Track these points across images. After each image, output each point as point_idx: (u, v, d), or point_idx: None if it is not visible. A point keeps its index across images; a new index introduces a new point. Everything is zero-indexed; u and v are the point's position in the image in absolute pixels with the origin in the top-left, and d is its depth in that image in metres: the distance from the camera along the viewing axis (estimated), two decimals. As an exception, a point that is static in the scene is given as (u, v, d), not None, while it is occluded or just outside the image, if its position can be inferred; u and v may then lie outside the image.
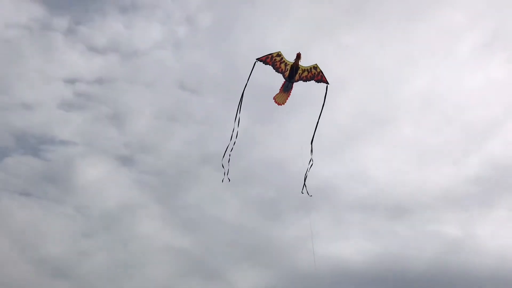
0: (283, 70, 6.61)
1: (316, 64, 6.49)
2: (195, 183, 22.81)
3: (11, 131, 22.68)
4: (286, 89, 6.70)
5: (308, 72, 6.58)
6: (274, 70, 6.57)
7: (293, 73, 6.56)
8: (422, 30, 22.40)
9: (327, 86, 6.51)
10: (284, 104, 6.85)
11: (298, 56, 6.54)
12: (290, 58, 6.47)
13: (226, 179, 7.06)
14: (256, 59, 6.46)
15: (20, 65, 23.21)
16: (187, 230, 23.13)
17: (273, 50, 6.37)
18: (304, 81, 6.70)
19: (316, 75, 6.59)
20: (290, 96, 6.73)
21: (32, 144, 22.32)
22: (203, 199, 24.16)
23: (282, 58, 6.54)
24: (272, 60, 6.51)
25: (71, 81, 23.09)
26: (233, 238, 22.41)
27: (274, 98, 6.78)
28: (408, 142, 22.29)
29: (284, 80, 6.64)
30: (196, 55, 24.09)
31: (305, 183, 6.86)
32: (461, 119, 22.62)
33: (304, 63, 6.50)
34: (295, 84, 6.66)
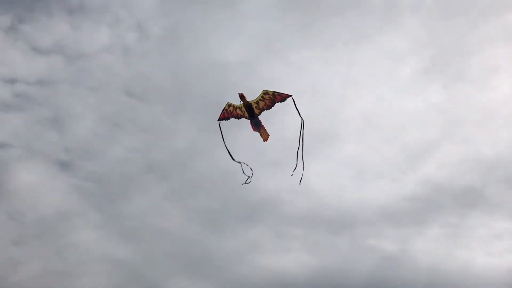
0: (242, 114, 6.54)
1: (263, 90, 6.37)
2: (137, 192, 22.35)
3: None
4: (257, 125, 6.63)
5: (263, 101, 6.41)
6: (237, 119, 6.51)
7: (251, 111, 6.43)
8: (367, 53, 23.39)
9: (292, 98, 6.31)
10: (268, 138, 6.75)
11: (241, 96, 6.42)
12: (237, 101, 6.36)
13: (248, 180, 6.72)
14: (218, 120, 6.45)
15: (-45, 62, 22.00)
16: (127, 240, 22.52)
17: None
18: (267, 109, 6.53)
19: (273, 98, 6.40)
20: (265, 128, 6.62)
21: (-36, 145, 21.10)
22: (145, 209, 23.65)
23: (233, 106, 6.51)
24: (229, 112, 6.56)
25: (10, 81, 22.12)
26: (175, 249, 22.06)
27: (262, 138, 6.63)
28: (350, 159, 23.03)
29: (249, 120, 6.53)
30: (144, 62, 23.79)
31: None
32: (400, 139, 23.68)
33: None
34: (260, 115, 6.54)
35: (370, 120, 24.36)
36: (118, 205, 23.34)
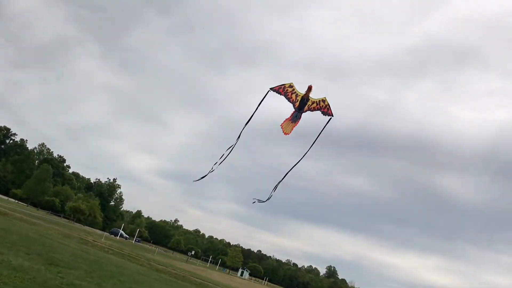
0: (294, 101, 6.60)
1: (325, 97, 6.57)
2: (137, 25, 22.12)
3: None
4: (295, 119, 6.97)
5: (317, 104, 6.57)
6: (286, 100, 6.58)
7: (303, 104, 6.48)
8: None
9: (330, 118, 6.57)
10: (290, 133, 7.16)
11: (310, 88, 6.58)
12: (301, 89, 6.59)
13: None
14: (270, 88, 6.46)
15: None
16: (126, 71, 23.00)
17: None
18: (311, 111, 6.64)
19: (323, 107, 6.57)
20: (296, 124, 6.99)
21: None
22: (145, 42, 23.63)
23: (294, 89, 6.60)
24: (285, 90, 6.58)
25: None
26: (173, 83, 22.68)
27: (281, 126, 7.03)
28: (355, 7, 22.51)
29: (293, 110, 6.62)
30: None
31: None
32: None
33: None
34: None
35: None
36: (117, 36, 23.27)
